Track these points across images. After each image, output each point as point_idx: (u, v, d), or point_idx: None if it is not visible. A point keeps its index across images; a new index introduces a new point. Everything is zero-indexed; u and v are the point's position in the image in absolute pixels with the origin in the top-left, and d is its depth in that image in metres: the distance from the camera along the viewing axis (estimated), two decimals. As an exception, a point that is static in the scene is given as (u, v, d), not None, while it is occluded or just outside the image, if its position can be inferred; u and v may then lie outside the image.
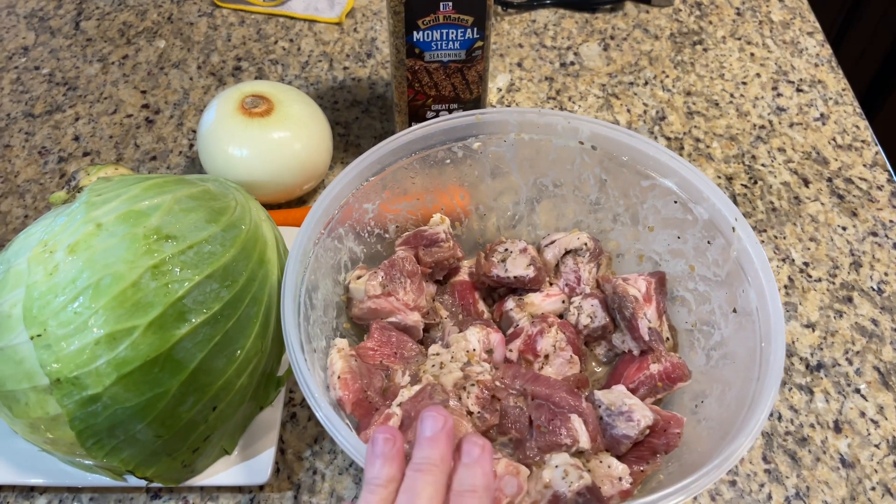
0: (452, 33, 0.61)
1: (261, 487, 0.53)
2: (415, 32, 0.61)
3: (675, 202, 0.55)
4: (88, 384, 0.45)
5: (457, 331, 0.55)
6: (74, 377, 0.45)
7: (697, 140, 0.75)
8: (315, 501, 0.52)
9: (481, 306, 0.60)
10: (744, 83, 0.81)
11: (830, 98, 0.79)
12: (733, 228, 0.51)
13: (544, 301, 0.58)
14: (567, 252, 0.59)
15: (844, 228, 0.68)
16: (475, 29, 0.61)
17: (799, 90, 0.80)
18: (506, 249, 0.59)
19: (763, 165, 0.73)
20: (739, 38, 0.85)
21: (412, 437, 0.47)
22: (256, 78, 0.81)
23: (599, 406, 0.50)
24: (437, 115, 0.67)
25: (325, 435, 0.56)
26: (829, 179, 0.72)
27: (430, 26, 0.60)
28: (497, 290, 0.61)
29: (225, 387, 0.49)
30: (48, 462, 0.53)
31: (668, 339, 0.56)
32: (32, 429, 0.48)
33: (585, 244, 0.59)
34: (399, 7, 0.59)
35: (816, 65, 0.82)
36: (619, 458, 0.49)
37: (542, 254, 0.60)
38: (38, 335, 0.45)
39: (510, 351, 0.55)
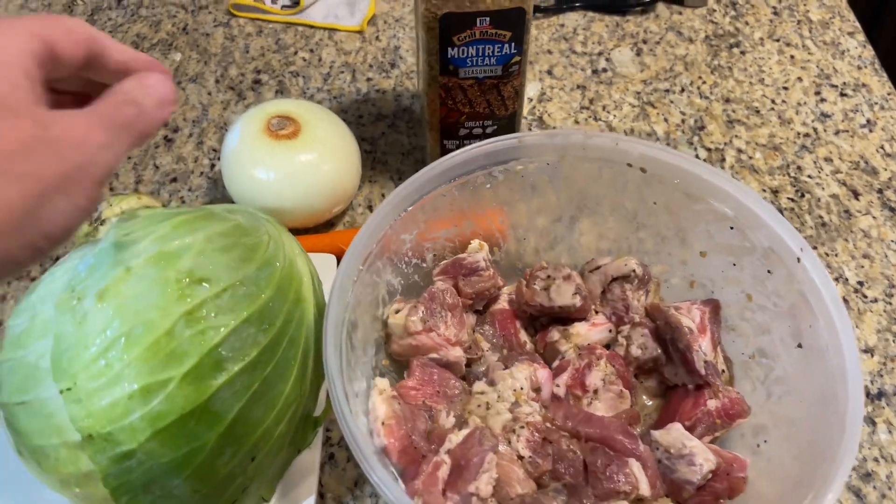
0: (489, 49, 0.58)
1: (301, 536, 0.51)
2: (449, 49, 0.57)
3: (732, 228, 0.52)
4: (122, 440, 0.42)
5: (501, 367, 0.52)
6: (107, 433, 0.42)
7: (739, 151, 0.72)
8: (358, 550, 0.50)
9: (523, 336, 0.57)
10: (785, 88, 0.77)
11: (876, 103, 0.76)
12: (798, 259, 0.48)
13: (590, 331, 0.55)
14: (614, 279, 0.56)
15: (898, 243, 0.65)
16: (513, 44, 0.58)
17: (843, 94, 0.77)
18: (548, 276, 0.56)
19: (809, 177, 0.70)
20: (778, 40, 0.82)
21: (462, 487, 0.44)
22: (277, 92, 0.78)
23: (657, 448, 0.48)
24: (470, 133, 0.64)
25: (365, 477, 0.53)
26: (880, 191, 0.69)
27: (466, 42, 0.57)
28: (539, 319, 0.58)
29: (264, 436, 0.47)
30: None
31: (723, 371, 0.53)
32: (63, 484, 0.46)
33: (634, 271, 0.56)
34: (433, 23, 0.56)
35: (859, 67, 0.79)
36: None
37: (586, 280, 0.57)
38: (68, 389, 0.42)
39: (557, 386, 0.52)
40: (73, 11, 0.86)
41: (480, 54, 0.58)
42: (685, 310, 0.53)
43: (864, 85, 0.77)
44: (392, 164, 0.71)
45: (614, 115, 0.75)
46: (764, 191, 0.69)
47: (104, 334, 0.43)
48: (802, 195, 0.69)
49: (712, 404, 0.50)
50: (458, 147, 0.65)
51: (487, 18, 0.56)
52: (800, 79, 0.78)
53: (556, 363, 0.54)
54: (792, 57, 0.80)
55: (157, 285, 0.44)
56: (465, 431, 0.47)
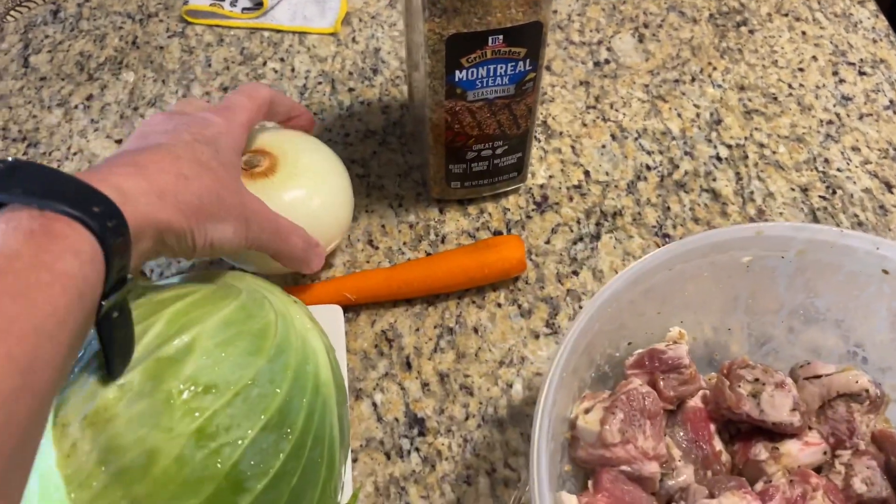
0: (501, 68, 0.51)
1: None
2: (457, 72, 0.50)
3: None
4: (137, 592, 0.36)
5: (705, 492, 0.45)
6: (118, 587, 0.36)
7: (761, 145, 0.67)
8: None
9: (718, 444, 0.49)
10: (800, 69, 0.72)
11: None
12: None
13: (802, 451, 0.47)
14: (840, 395, 0.48)
15: (939, 239, 0.61)
16: (528, 60, 0.51)
17: (861, 73, 0.72)
18: (756, 379, 0.47)
19: (839, 170, 0.65)
20: (787, 14, 0.76)
21: None
22: (250, 112, 0.69)
23: None
24: (478, 155, 0.58)
25: (406, 564, 0.48)
26: (913, 180, 0.65)
27: (476, 63, 0.50)
28: (735, 423, 0.50)
29: (297, 552, 0.41)
30: None
31: None
32: None
33: (867, 390, 0.47)
34: (439, 45, 0.49)
35: (875, 40, 0.74)
36: None
37: (801, 389, 0.49)
38: (65, 537, 0.36)
39: None
40: (3, 30, 0.75)
41: (491, 74, 0.51)
42: None
43: (882, 61, 0.72)
44: (389, 188, 0.64)
45: (624, 114, 0.69)
46: (793, 189, 0.64)
47: (100, 469, 0.36)
48: (834, 192, 0.64)
49: None
50: (464, 171, 0.59)
51: (500, 36, 0.49)
52: (814, 58, 0.73)
53: (759, 486, 0.46)
54: (803, 33, 0.75)
55: (157, 403, 0.37)
56: None
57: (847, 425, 0.48)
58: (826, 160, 0.66)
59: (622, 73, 0.72)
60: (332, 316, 0.55)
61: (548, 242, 0.61)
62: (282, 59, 0.73)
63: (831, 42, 0.74)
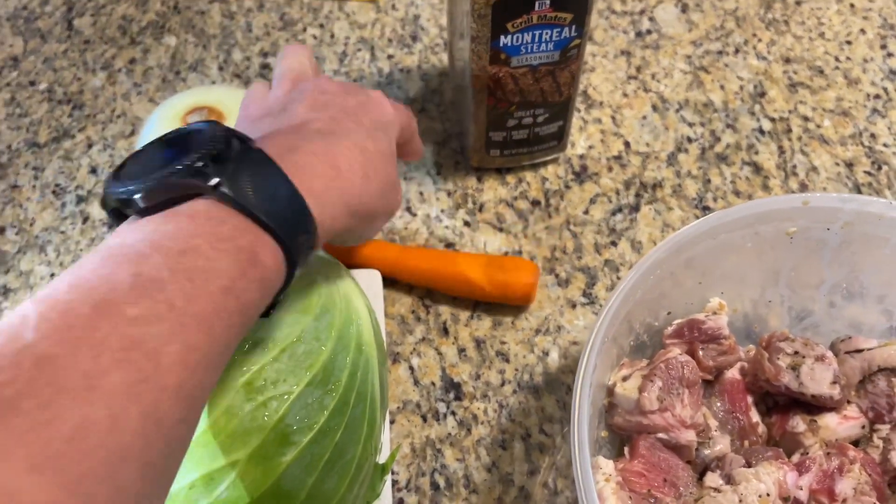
0: (546, 34, 0.51)
1: None
2: (502, 37, 0.50)
3: None
4: (186, 534, 0.37)
5: (741, 461, 0.45)
6: (169, 529, 0.37)
7: (806, 119, 0.66)
8: None
9: (755, 416, 0.49)
10: (848, 42, 0.71)
11: (947, 54, 0.69)
12: None
13: (841, 425, 0.47)
14: (881, 369, 0.48)
15: None
16: (574, 26, 0.51)
17: (911, 47, 0.70)
18: (796, 352, 0.47)
19: (885, 145, 0.64)
20: (835, -14, 0.74)
21: None
22: (290, 77, 0.70)
23: None
24: (519, 122, 0.58)
25: (442, 523, 0.49)
26: (962, 157, 0.63)
27: (521, 28, 0.50)
28: (773, 395, 0.50)
29: (339, 505, 0.42)
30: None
31: None
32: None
33: None
34: (485, 9, 0.48)
35: (926, 13, 0.72)
36: None
37: (842, 363, 0.48)
38: (118, 482, 0.37)
39: (799, 489, 0.44)
40: (48, -7, 0.76)
41: (537, 40, 0.51)
42: None
43: (933, 34, 0.71)
44: (428, 156, 0.64)
45: (665, 85, 0.68)
46: (837, 164, 0.63)
47: (153, 418, 0.37)
48: (879, 167, 0.63)
49: None
50: (504, 139, 0.59)
51: (547, 1, 0.48)
52: (863, 31, 0.71)
53: (796, 457, 0.46)
54: (852, 5, 0.73)
55: (207, 356, 0.38)
56: None
57: (887, 399, 0.48)
58: (872, 135, 0.65)
59: (664, 44, 0.71)
60: (370, 279, 0.56)
61: (586, 213, 0.61)
62: (321, 26, 0.73)
63: (880, 15, 0.72)
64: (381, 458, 0.49)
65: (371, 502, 0.48)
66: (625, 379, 0.46)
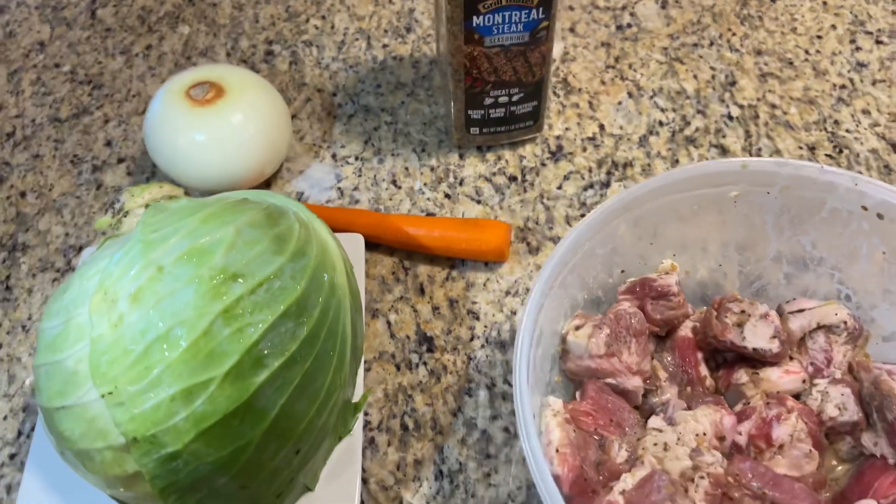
0: (516, 15, 0.55)
1: (348, 522, 0.51)
2: (474, 17, 0.55)
3: None
4: (167, 442, 0.42)
5: (683, 406, 0.49)
6: (152, 435, 0.42)
7: (773, 106, 0.70)
8: (406, 534, 0.50)
9: (703, 370, 0.52)
10: (818, 37, 0.74)
11: (914, 48, 0.73)
12: None
13: (782, 378, 0.50)
14: (819, 327, 0.51)
15: (941, 198, 0.63)
16: (541, 9, 0.55)
17: (878, 42, 0.73)
18: (742, 311, 0.51)
19: (847, 131, 0.68)
20: (809, -15, 0.78)
21: None
22: (291, 63, 0.75)
23: None
24: (496, 101, 0.62)
25: (408, 460, 0.53)
26: (921, 143, 0.67)
27: (492, 10, 0.55)
28: (722, 353, 0.54)
29: (307, 429, 0.46)
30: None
31: None
32: (109, 484, 0.45)
33: (844, 322, 0.50)
34: (457, -9, 0.53)
35: (894, 12, 0.76)
36: None
37: (784, 321, 0.52)
38: (110, 393, 0.42)
39: (739, 434, 0.48)
40: (75, -14, 0.83)
41: (507, 21, 0.55)
42: None
43: (901, 30, 0.74)
44: (414, 135, 0.69)
45: (641, 74, 0.72)
46: (801, 147, 0.67)
47: (142, 337, 0.42)
48: (840, 151, 0.66)
49: None
50: (482, 116, 0.63)
51: (514, -17, 0.53)
52: (833, 26, 0.75)
53: (738, 407, 0.50)
54: (825, 3, 0.77)
55: (191, 284, 0.43)
56: (641, 472, 0.44)
57: (825, 355, 0.51)
58: (836, 122, 0.68)
59: (643, 37, 0.75)
60: (353, 242, 0.60)
61: (559, 188, 0.65)
62: (323, 17, 0.79)
63: (851, 12, 0.76)
64: (355, 399, 0.53)
65: (343, 437, 0.52)
66: (578, 328, 0.50)
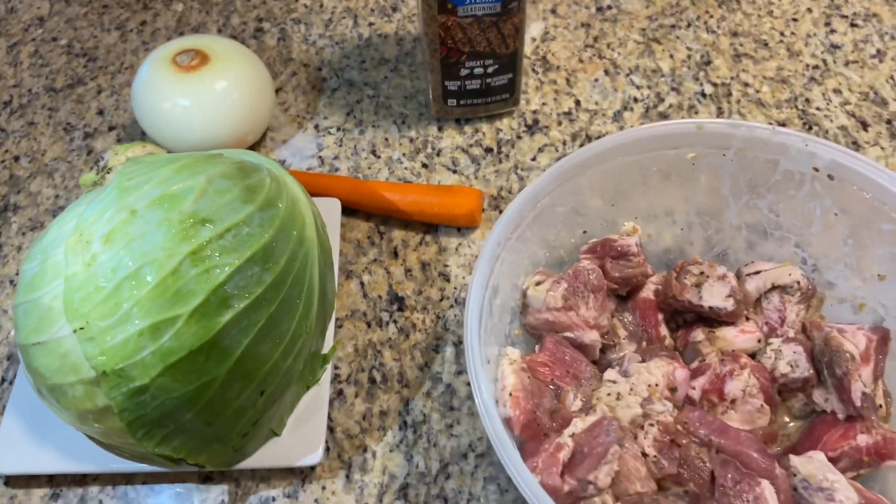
0: (487, -15, 0.57)
1: (312, 468, 0.52)
2: (447, -14, 0.57)
3: None
4: (135, 375, 0.44)
5: (638, 359, 0.50)
6: (120, 369, 0.44)
7: (746, 85, 0.71)
8: (367, 480, 0.52)
9: (664, 330, 0.54)
10: (794, 20, 0.76)
11: (886, 33, 0.74)
12: None
13: (738, 337, 0.52)
14: (774, 287, 0.53)
15: (907, 174, 0.65)
16: (511, -21, 0.57)
17: (853, 25, 0.75)
18: (701, 273, 0.53)
19: (818, 109, 0.69)
20: (787, -29, 0.80)
21: (581, 473, 0.43)
22: (279, 39, 0.77)
23: (795, 475, 0.44)
24: (471, 72, 0.64)
25: (374, 411, 0.55)
26: (889, 121, 0.68)
27: (463, -21, 0.57)
28: (683, 315, 0.55)
29: (272, 371, 0.48)
30: (99, 448, 0.52)
31: (880, 406, 0.49)
32: (82, 420, 0.47)
33: (798, 282, 0.52)
34: (429, -40, 0.55)
35: (872, -4, 0.77)
36: None
37: (742, 283, 0.54)
38: (81, 328, 0.44)
39: (693, 388, 0.50)
40: (75, -35, 0.86)
41: (478, -9, 0.57)
42: (850, 334, 0.49)
43: (874, 15, 0.76)
44: (395, 108, 0.71)
45: (619, 53, 0.74)
46: (771, 124, 0.68)
47: (113, 275, 0.44)
48: (810, 128, 0.68)
49: (863, 440, 0.46)
50: (459, 88, 0.65)
51: (484, -47, 0.55)
52: (809, 10, 0.76)
53: (694, 364, 0.51)
54: (802, -13, 0.78)
55: (161, 227, 0.45)
56: (592, 418, 0.46)
57: (779, 314, 0.53)
58: (807, 100, 0.70)
59: (622, 18, 0.77)
60: (331, 206, 0.63)
61: (534, 159, 0.67)
62: (313, -3, 0.81)
63: (828, -4, 0.78)
64: (325, 351, 0.55)
65: (311, 386, 0.54)
66: (538, 284, 0.52)
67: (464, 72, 0.64)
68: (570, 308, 0.51)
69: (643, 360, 0.51)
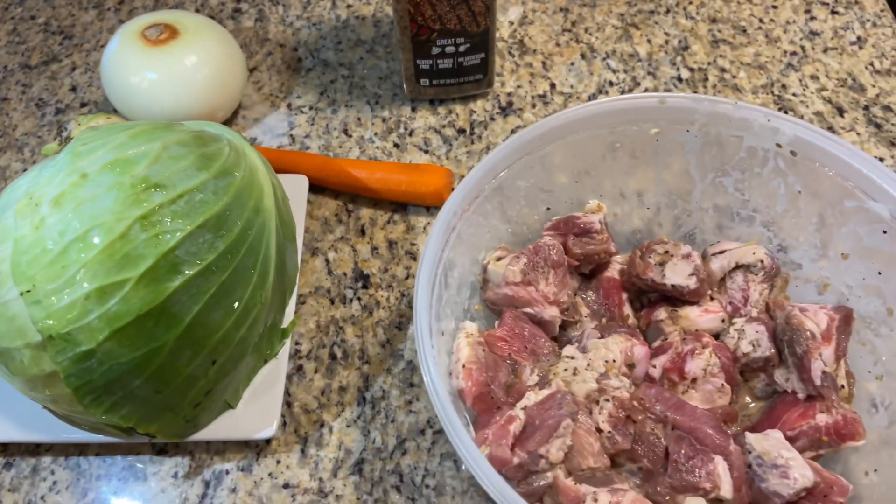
0: (455, -40, 0.57)
1: (267, 441, 0.52)
2: (414, -40, 0.56)
3: (885, 232, 0.47)
4: (81, 340, 0.43)
5: (597, 335, 0.50)
6: (66, 333, 0.43)
7: (723, 70, 0.71)
8: (322, 454, 0.51)
9: (627, 310, 0.54)
10: (774, 7, 0.75)
11: (868, 20, 0.73)
12: None
13: (701, 317, 0.51)
14: (738, 266, 0.52)
15: (882, 160, 0.64)
16: (479, -46, 0.57)
17: (834, 12, 0.74)
18: (666, 252, 0.52)
19: (794, 95, 0.68)
20: (769, -41, 0.79)
21: (532, 446, 0.43)
22: (256, 20, 0.77)
23: (750, 452, 0.44)
24: (443, 51, 0.64)
25: (333, 387, 0.54)
26: (866, 108, 0.67)
27: (431, -47, 0.56)
28: (648, 295, 0.54)
29: (224, 340, 0.47)
30: (53, 419, 0.52)
31: (842, 386, 0.48)
32: (31, 386, 0.47)
33: (762, 261, 0.51)
34: (396, -67, 0.55)
35: (853, -16, 0.76)
36: None
37: (707, 262, 0.53)
38: (28, 291, 0.43)
39: (654, 367, 0.49)
40: (56, -55, 0.85)
41: (446, -34, 0.57)
42: (812, 313, 0.48)
43: (856, 2, 0.75)
44: (369, 88, 0.71)
45: (596, 38, 0.74)
46: (746, 109, 0.68)
47: (61, 238, 0.44)
48: (785, 112, 0.67)
49: (822, 419, 0.46)
50: (431, 67, 0.65)
51: (450, -74, 0.55)
52: (790, -3, 0.76)
53: (657, 343, 0.51)
54: (783, -25, 0.78)
55: (112, 190, 0.45)
56: (546, 392, 0.46)
57: (742, 293, 0.52)
58: (783, 86, 0.69)
59: (601, 3, 0.77)
60: (298, 183, 0.62)
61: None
62: (292, -21, 0.81)
63: (810, -16, 0.77)
64: (284, 325, 0.54)
65: (269, 359, 0.53)
66: (499, 259, 0.52)
67: (435, 50, 0.63)
68: (530, 283, 0.50)
69: (602, 337, 0.50)
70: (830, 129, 0.66)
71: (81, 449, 0.52)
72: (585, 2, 0.77)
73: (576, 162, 0.53)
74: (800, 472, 0.43)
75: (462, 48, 0.64)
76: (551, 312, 0.51)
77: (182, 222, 0.45)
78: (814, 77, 0.69)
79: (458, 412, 0.42)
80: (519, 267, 0.50)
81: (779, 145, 0.50)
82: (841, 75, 0.69)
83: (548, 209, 0.55)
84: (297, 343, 0.56)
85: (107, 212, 0.44)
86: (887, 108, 0.67)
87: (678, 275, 0.51)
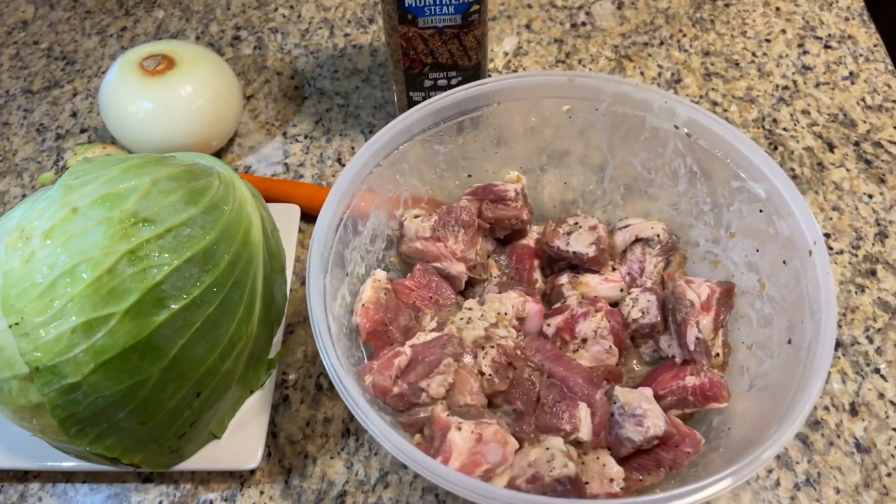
0: (446, -3, 0.58)
1: (252, 472, 0.52)
2: (406, -3, 0.57)
3: (761, 211, 0.50)
4: (67, 373, 0.44)
5: (496, 291, 0.53)
6: (53, 366, 0.44)
7: (714, 104, 0.71)
8: (306, 486, 0.51)
9: (536, 275, 0.57)
10: (767, 40, 0.76)
11: (861, 55, 0.74)
12: (810, 252, 0.46)
13: (601, 285, 0.55)
14: (638, 240, 0.55)
15: (871, 196, 0.64)
16: (470, -8, 0.58)
17: (827, 47, 0.75)
18: (576, 223, 0.56)
19: (785, 129, 0.69)
20: (764, -8, 0.80)
21: (413, 378, 0.47)
22: (255, 48, 0.78)
23: (615, 402, 0.47)
24: (435, 84, 0.64)
25: (318, 418, 0.54)
26: (857, 143, 0.67)
27: (422, -10, 0.57)
28: (558, 263, 0.58)
29: (208, 373, 0.48)
30: (42, 446, 0.53)
31: (717, 354, 0.51)
32: (19, 416, 0.48)
33: (658, 235, 0.54)
34: (388, -29, 0.56)
35: (847, 18, 0.77)
36: (621, 460, 0.46)
37: (612, 236, 0.56)
38: (16, 323, 0.44)
39: (548, 325, 0.52)
40: (62, -29, 0.87)
41: (438, 3, 0.58)
42: (696, 285, 0.52)
43: (850, 37, 0.75)
44: (364, 117, 0.72)
45: (590, 69, 0.74)
46: (736, 143, 0.68)
47: (50, 271, 0.44)
48: (776, 148, 0.68)
49: (691, 381, 0.49)
50: (423, 99, 0.66)
51: (441, -35, 0.55)
52: (783, 31, 0.76)
53: (556, 305, 0.54)
54: (778, 9, 0.78)
55: (101, 225, 0.45)
56: (435, 333, 0.49)
57: (640, 265, 0.56)
58: (774, 120, 0.70)
59: (596, 35, 0.77)
60: (289, 213, 0.63)
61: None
62: (291, 7, 0.82)
63: (803, 18, 0.77)
64: (272, 355, 0.55)
65: (255, 390, 0.54)
66: (416, 216, 0.55)
67: (427, 83, 0.64)
68: (439, 239, 0.54)
69: (500, 292, 0.53)
70: (820, 164, 0.66)
71: (69, 476, 0.53)
72: (580, 33, 0.78)
73: (493, 131, 0.56)
74: (653, 422, 0.46)
75: (454, 81, 0.64)
76: (458, 268, 0.54)
77: (169, 257, 0.46)
78: (805, 112, 0.70)
79: (355, 347, 0.48)
80: (430, 224, 0.54)
81: (676, 126, 0.53)
82: (832, 110, 0.70)
83: (469, 176, 0.58)
84: (283, 373, 0.57)
85: (95, 246, 0.45)
86: (877, 144, 0.67)
87: (580, 243, 0.55)
